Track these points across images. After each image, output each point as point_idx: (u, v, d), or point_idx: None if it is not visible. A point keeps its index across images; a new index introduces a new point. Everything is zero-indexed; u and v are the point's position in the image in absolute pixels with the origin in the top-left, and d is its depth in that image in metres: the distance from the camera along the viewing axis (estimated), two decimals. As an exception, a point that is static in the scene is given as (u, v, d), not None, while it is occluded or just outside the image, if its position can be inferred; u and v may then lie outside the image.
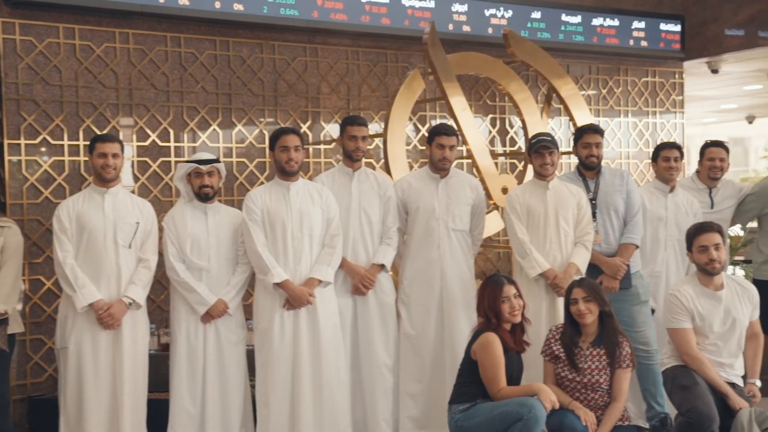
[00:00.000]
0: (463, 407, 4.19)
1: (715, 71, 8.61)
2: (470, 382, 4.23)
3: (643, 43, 7.83)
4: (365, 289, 4.85)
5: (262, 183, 6.02)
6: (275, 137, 4.74)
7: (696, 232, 4.43)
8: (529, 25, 7.19)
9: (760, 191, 5.54)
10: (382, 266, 4.90)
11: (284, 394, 4.57)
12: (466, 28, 6.93)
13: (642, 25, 7.80)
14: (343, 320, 4.80)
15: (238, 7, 5.92)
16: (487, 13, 7.03)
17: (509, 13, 7.14)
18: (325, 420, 4.60)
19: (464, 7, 6.92)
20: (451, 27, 6.85)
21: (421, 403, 4.90)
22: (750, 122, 14.58)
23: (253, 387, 4.73)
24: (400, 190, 5.04)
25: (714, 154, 5.51)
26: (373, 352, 4.87)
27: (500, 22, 7.05)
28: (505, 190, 5.90)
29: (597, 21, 7.56)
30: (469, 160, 6.27)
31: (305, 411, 4.55)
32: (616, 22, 7.65)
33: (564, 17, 7.39)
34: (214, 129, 6.11)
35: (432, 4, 6.77)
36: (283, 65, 6.35)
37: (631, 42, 7.74)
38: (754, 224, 5.84)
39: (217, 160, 4.78)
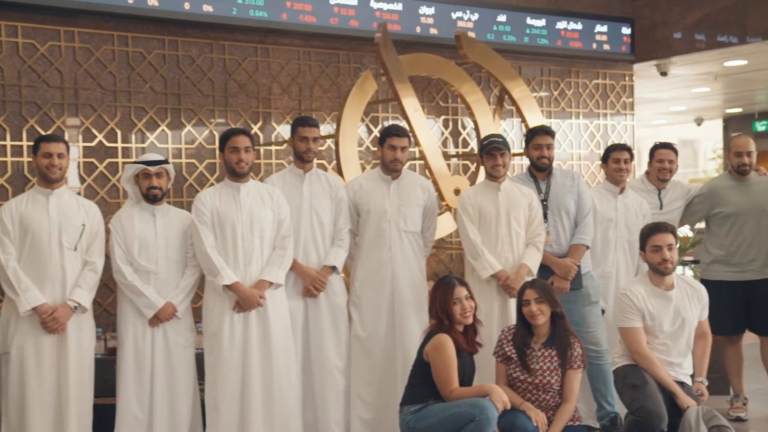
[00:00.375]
0: (415, 408, 4.18)
1: (664, 74, 8.74)
2: (422, 383, 4.21)
3: (594, 46, 7.91)
4: (316, 291, 4.81)
5: (212, 184, 5.95)
6: (225, 138, 4.68)
7: (650, 231, 4.46)
8: (494, 27, 7.21)
9: (708, 192, 5.61)
10: (334, 268, 4.87)
11: (234, 397, 4.52)
12: (433, 31, 6.99)
13: (593, 27, 7.88)
14: (294, 322, 4.76)
15: (187, 6, 5.84)
16: (455, 15, 7.09)
17: (476, 16, 7.21)
18: (276, 423, 4.55)
19: (431, 10, 6.94)
20: (419, 30, 6.89)
21: (373, 406, 4.88)
22: (698, 124, 14.84)
23: (202, 391, 4.67)
24: (352, 191, 5.01)
25: (663, 156, 5.56)
26: (324, 354, 4.84)
27: (467, 24, 7.13)
28: (457, 192, 5.90)
29: (548, 23, 7.61)
30: (422, 162, 6.27)
31: (255, 414, 4.50)
32: (567, 25, 7.72)
33: (524, 20, 7.42)
34: (163, 129, 6.02)
35: (400, 7, 6.80)
36: (234, 65, 6.29)
37: (582, 44, 7.82)
38: (702, 225, 5.92)
39: (165, 161, 4.71)
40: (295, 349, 4.74)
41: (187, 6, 5.84)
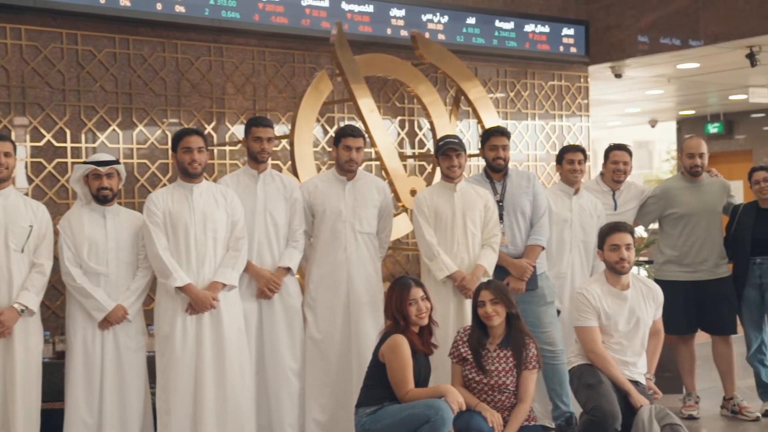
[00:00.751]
0: (370, 410, 4.15)
1: (618, 76, 8.81)
2: (377, 384, 4.20)
3: (549, 48, 7.95)
4: (270, 293, 4.77)
5: (164, 185, 5.86)
6: (177, 138, 4.63)
7: (609, 230, 4.49)
8: (430, 27, 7.21)
9: (661, 193, 5.67)
10: (288, 269, 4.83)
11: (186, 400, 4.47)
12: (404, 33, 7.01)
13: (548, 29, 7.92)
14: (248, 324, 4.72)
15: (138, 4, 5.75)
16: (424, 18, 7.15)
17: (445, 18, 7.26)
18: (229, 426, 4.50)
19: (402, 12, 6.97)
20: (389, 31, 6.91)
21: (328, 408, 4.85)
22: (653, 126, 15.01)
23: (153, 394, 4.61)
24: (307, 192, 4.98)
25: (618, 157, 5.61)
26: (278, 356, 4.79)
27: (437, 27, 7.18)
28: (413, 192, 5.89)
29: (505, 25, 7.64)
30: (378, 162, 6.24)
31: (208, 417, 4.45)
32: (523, 27, 7.75)
33: (469, 20, 7.43)
34: (114, 129, 5.92)
35: (371, 9, 6.84)
36: (187, 65, 6.20)
37: (538, 46, 7.86)
38: (655, 226, 5.98)
39: (116, 162, 4.64)
40: (249, 351, 4.70)
41: (138, 4, 5.74)
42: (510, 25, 7.68)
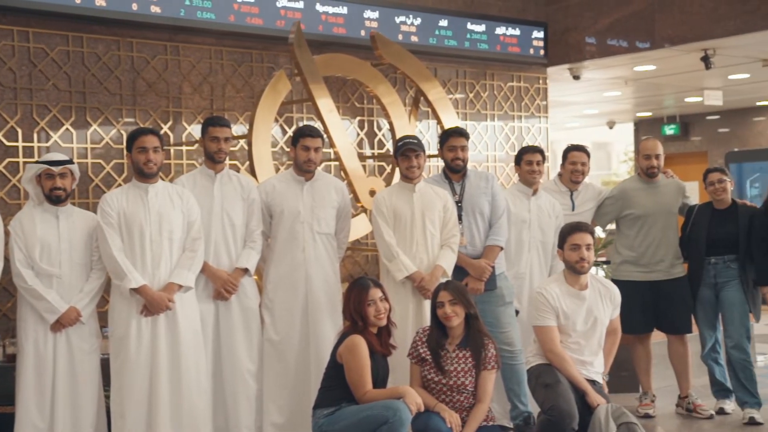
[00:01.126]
0: (328, 411, 4.14)
1: (576, 77, 8.88)
2: (335, 386, 4.18)
3: (509, 49, 7.99)
4: (228, 294, 4.72)
5: (119, 185, 5.78)
6: (132, 138, 4.59)
7: (571, 230, 4.52)
8: (401, 28, 7.21)
9: (618, 194, 5.72)
10: (246, 270, 4.79)
11: (141, 403, 4.41)
12: (413, 39, 7.13)
13: (507, 31, 7.96)
14: (204, 326, 4.68)
15: (92, 2, 5.65)
16: (398, 20, 7.18)
17: (418, 21, 7.29)
18: (185, 429, 4.46)
19: (376, 14, 6.99)
20: (362, 33, 6.93)
21: (286, 409, 4.82)
22: (611, 127, 15.16)
23: (107, 398, 4.54)
24: (264, 192, 4.94)
25: (576, 158, 5.64)
26: (235, 358, 4.75)
27: (410, 29, 7.21)
28: (372, 193, 5.87)
29: (464, 25, 7.66)
30: (337, 163, 6.22)
31: (163, 420, 4.40)
32: (482, 27, 7.78)
33: (431, 21, 7.45)
34: (68, 128, 5.83)
35: (345, 10, 6.87)
36: (142, 63, 6.12)
37: (497, 47, 7.89)
38: (613, 226, 6.02)
39: (69, 161, 4.58)
40: (206, 352, 4.66)
41: (91, 1, 5.65)
42: (469, 27, 7.71)
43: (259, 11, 6.38)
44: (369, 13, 6.98)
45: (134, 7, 5.84)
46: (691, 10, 7.51)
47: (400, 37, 7.11)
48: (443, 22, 7.50)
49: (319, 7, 6.70)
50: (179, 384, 4.45)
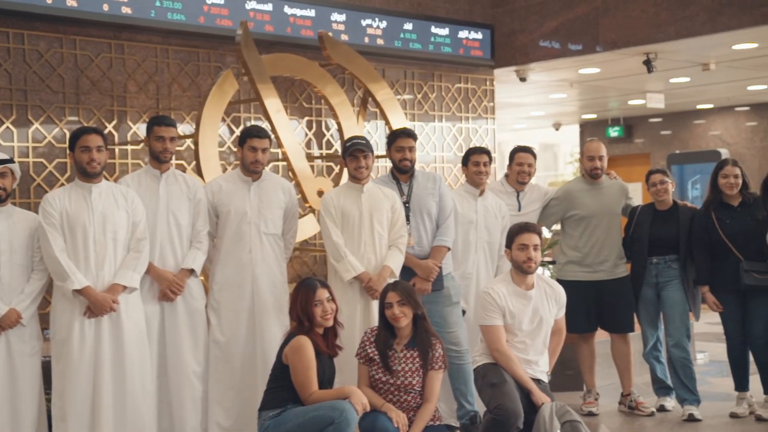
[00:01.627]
0: (274, 413, 4.12)
1: (523, 79, 8.97)
2: (281, 387, 4.16)
3: (456, 51, 8.04)
4: (173, 295, 4.67)
5: (62, 185, 5.68)
6: (75, 137, 4.51)
7: (519, 230, 4.56)
8: (334, 27, 7.21)
9: (563, 195, 5.79)
10: (192, 271, 4.74)
11: (84, 406, 4.34)
12: (344, 37, 7.09)
13: (455, 32, 8.01)
14: (149, 327, 4.62)
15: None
16: (364, 23, 7.25)
17: (384, 24, 7.36)
18: (129, 431, 4.40)
19: (312, 12, 6.98)
20: (366, 40, 7.05)
21: (232, 411, 4.78)
22: (557, 129, 15.34)
23: (49, 401, 4.46)
24: (211, 192, 4.90)
25: (522, 159, 5.69)
26: (181, 359, 4.71)
27: (376, 32, 7.29)
28: (320, 193, 5.86)
29: (412, 27, 7.69)
30: (285, 163, 6.19)
31: (106, 423, 4.34)
32: (430, 29, 7.82)
33: (377, 22, 7.46)
34: (8, 127, 5.71)
35: (312, 13, 6.92)
36: (86, 61, 6.03)
37: (445, 49, 7.94)
38: (558, 227, 6.10)
39: (10, 160, 4.48)
40: (151, 354, 4.60)
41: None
42: (417, 28, 7.74)
43: (228, 12, 6.33)
44: (304, 12, 6.96)
45: (76, 4, 5.74)
46: (633, 15, 7.65)
47: (367, 40, 7.14)
48: (392, 24, 7.51)
49: (287, 9, 6.73)
50: (123, 386, 4.40)
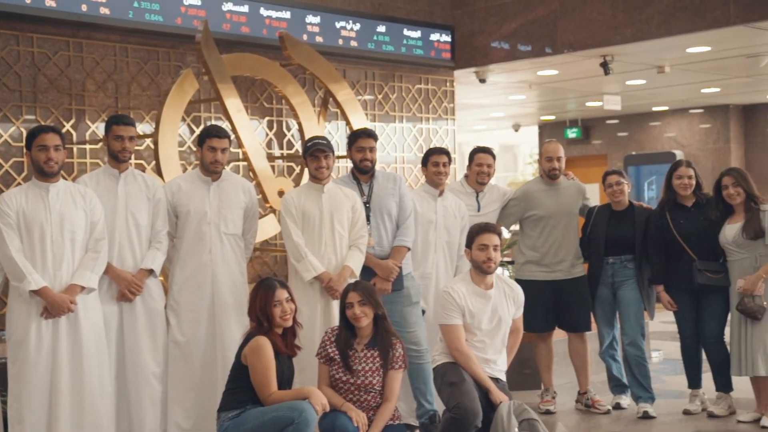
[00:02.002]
0: (233, 414, 4.10)
1: (482, 81, 9.03)
2: (240, 387, 4.15)
3: (416, 52, 8.08)
4: (132, 296, 4.64)
5: (19, 184, 5.61)
6: (32, 136, 4.46)
7: (479, 230, 4.60)
8: (308, 29, 7.22)
9: (521, 196, 5.84)
10: (151, 271, 4.72)
11: (41, 408, 4.30)
12: (319, 39, 7.15)
13: (415, 33, 8.05)
14: (108, 328, 4.59)
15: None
16: (338, 25, 7.33)
17: (318, 19, 7.32)
18: (87, 433, 4.37)
19: (284, 14, 7.01)
20: (305, 38, 7.01)
21: (192, 412, 4.76)
22: (516, 130, 15.45)
23: (5, 403, 4.41)
24: (170, 192, 4.87)
25: (482, 160, 5.72)
26: (140, 360, 4.68)
27: (313, 30, 7.28)
28: (281, 193, 5.86)
29: (373, 28, 7.72)
30: (245, 163, 6.18)
31: (64, 425, 4.30)
32: (391, 30, 7.85)
33: (339, 23, 7.47)
34: (-36, 125, 5.63)
35: (288, 14, 6.95)
36: (43, 59, 5.96)
37: (405, 50, 7.97)
38: (517, 227, 6.15)
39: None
40: (109, 355, 4.57)
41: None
42: (378, 29, 7.77)
43: (160, 8, 6.28)
44: (274, 13, 6.97)
45: (29, 1, 5.67)
46: (591, 18, 7.75)
47: (305, 37, 7.11)
48: (354, 25, 7.53)
49: (263, 12, 6.73)
50: (81, 387, 4.36)
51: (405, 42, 7.97)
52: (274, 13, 6.97)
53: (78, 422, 4.35)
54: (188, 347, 4.79)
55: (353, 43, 7.58)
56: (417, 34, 8.08)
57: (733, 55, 8.55)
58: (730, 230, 5.27)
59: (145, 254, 4.72)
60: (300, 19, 7.18)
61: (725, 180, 5.32)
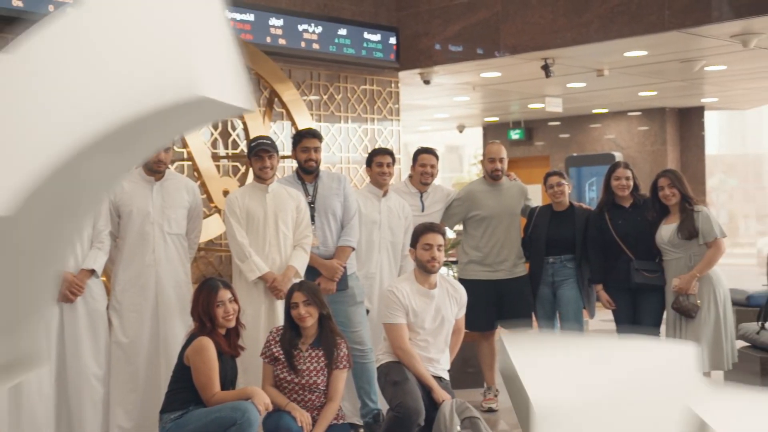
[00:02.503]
0: (175, 415, 4.09)
1: (427, 82, 9.08)
2: (183, 388, 4.14)
3: (362, 53, 8.11)
4: (73, 296, 4.59)
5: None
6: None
7: (424, 230, 4.64)
8: (268, 30, 7.21)
9: (465, 196, 5.91)
10: (93, 271, 4.67)
11: (-23, 412, 4.22)
12: (282, 42, 7.13)
13: (360, 34, 8.08)
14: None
15: None
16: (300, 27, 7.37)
17: (279, 22, 7.29)
18: (25, 436, 4.30)
19: (280, 22, 7.08)
20: (269, 40, 7.02)
21: (134, 414, 4.73)
22: (461, 131, 15.55)
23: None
24: (112, 192, 4.81)
25: (425, 161, 5.78)
26: (81, 361, 4.63)
27: (311, 36, 7.32)
28: (226, 193, 5.84)
29: (317, 29, 7.72)
30: (189, 163, 6.13)
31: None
32: (336, 31, 7.86)
33: (288, 23, 7.46)
34: None
35: (252, 17, 6.94)
36: None
37: (349, 50, 7.99)
38: (461, 227, 6.22)
39: None
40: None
41: None
42: (323, 30, 7.77)
43: None
44: (274, 21, 6.97)
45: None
46: (532, 21, 7.86)
47: (303, 44, 7.15)
48: (301, 26, 7.53)
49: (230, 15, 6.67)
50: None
51: (350, 43, 7.99)
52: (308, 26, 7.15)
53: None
54: (131, 348, 4.75)
55: (300, 44, 7.57)
56: (363, 35, 8.10)
57: (668, 60, 8.75)
58: (666, 230, 5.40)
59: (86, 255, 4.67)
60: (331, 29, 7.29)
61: (661, 181, 5.44)
